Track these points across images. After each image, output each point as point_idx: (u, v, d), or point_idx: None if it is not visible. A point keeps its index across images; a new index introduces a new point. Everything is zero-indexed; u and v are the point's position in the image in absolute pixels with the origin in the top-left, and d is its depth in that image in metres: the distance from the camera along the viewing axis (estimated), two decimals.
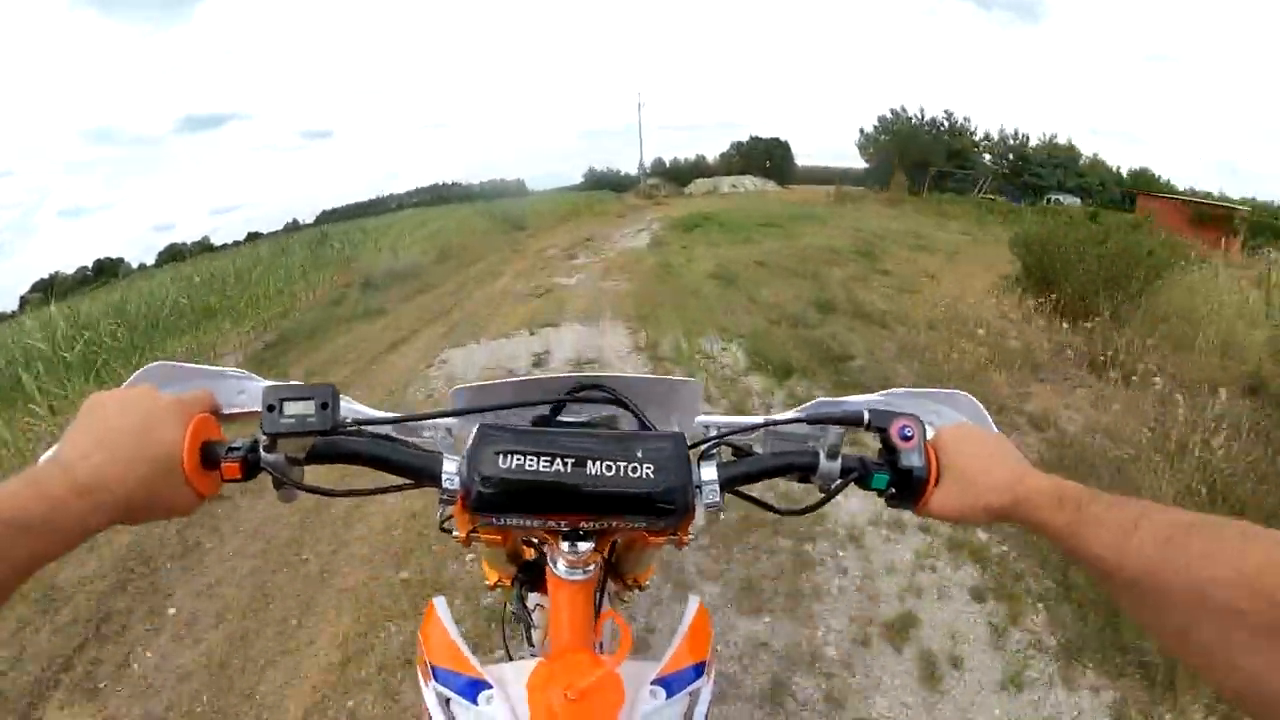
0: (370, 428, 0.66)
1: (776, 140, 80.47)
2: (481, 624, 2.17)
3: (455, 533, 0.66)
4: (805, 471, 0.66)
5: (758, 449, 0.75)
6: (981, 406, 0.74)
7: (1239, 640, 0.38)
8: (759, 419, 0.73)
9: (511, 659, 0.89)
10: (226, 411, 0.64)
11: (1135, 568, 0.45)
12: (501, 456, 0.56)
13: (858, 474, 0.65)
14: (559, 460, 0.57)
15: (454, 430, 0.71)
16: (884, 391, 0.76)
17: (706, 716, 0.61)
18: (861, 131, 36.22)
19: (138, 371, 0.68)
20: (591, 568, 0.67)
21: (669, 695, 0.59)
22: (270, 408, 0.55)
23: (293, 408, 0.56)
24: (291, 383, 0.60)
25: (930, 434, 0.66)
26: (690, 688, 0.60)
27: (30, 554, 0.42)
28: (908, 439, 0.63)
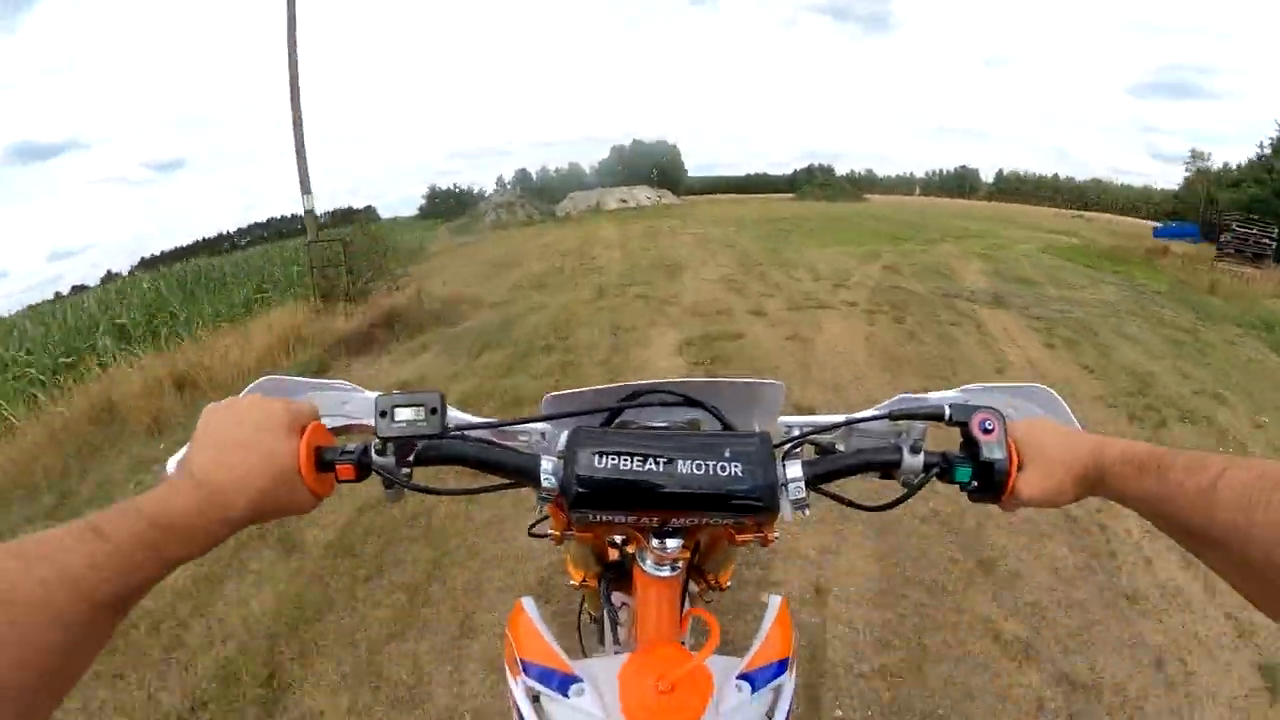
0: (472, 432, 0.68)
1: (664, 144, 70.23)
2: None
3: (549, 533, 0.77)
4: (888, 468, 0.65)
5: (840, 447, 0.75)
6: (1061, 400, 0.72)
7: None
8: (840, 417, 0.72)
9: (587, 657, 0.97)
10: (332, 425, 0.66)
11: (1217, 532, 0.43)
12: (597, 457, 0.58)
13: (940, 468, 0.64)
14: (651, 460, 0.58)
15: (547, 434, 0.72)
16: (962, 387, 0.74)
17: (789, 712, 0.60)
18: None
19: (251, 384, 0.68)
20: (679, 565, 0.68)
21: (754, 690, 0.59)
22: (383, 413, 0.59)
23: (403, 413, 0.59)
24: (401, 391, 0.62)
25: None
26: (774, 683, 0.60)
27: (176, 556, 0.46)
28: (988, 432, 0.62)
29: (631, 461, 0.58)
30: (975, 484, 0.63)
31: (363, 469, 0.59)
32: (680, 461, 0.58)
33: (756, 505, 0.59)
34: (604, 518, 0.60)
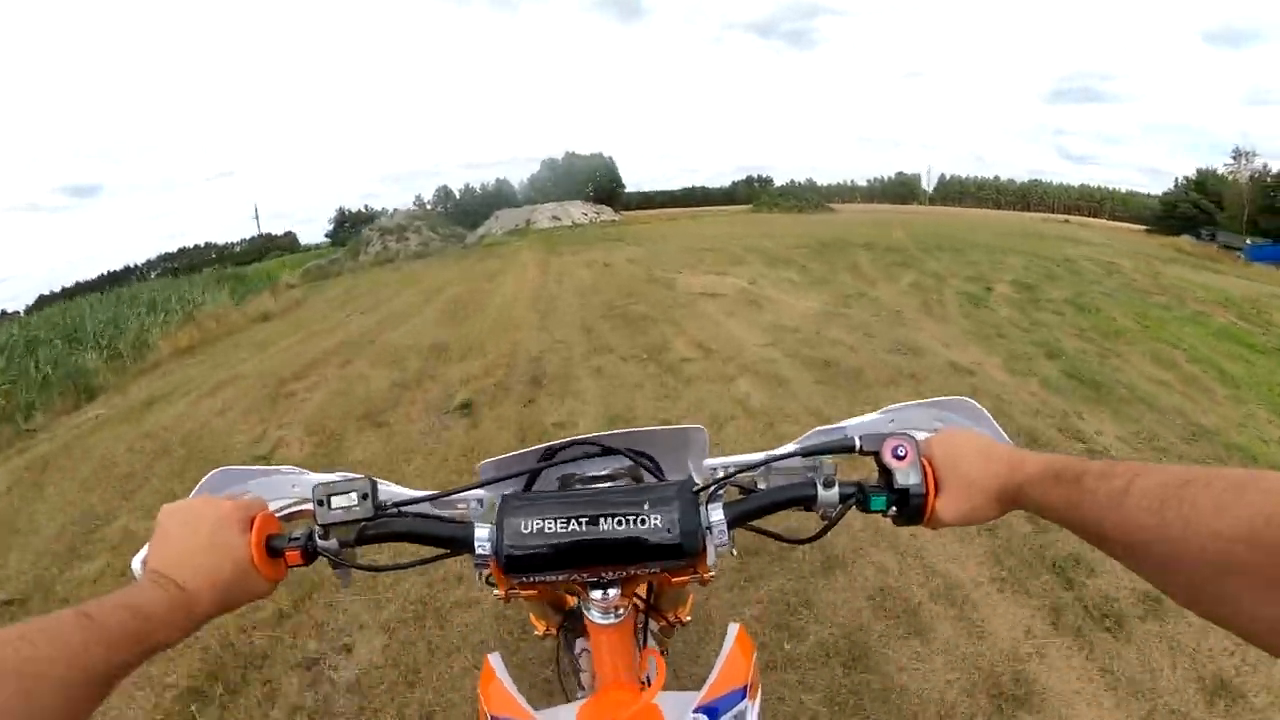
0: (409, 508, 0.68)
1: (599, 156, 63.82)
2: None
3: (496, 591, 0.70)
4: (805, 504, 0.66)
5: (762, 484, 0.74)
6: (985, 411, 0.72)
7: (1242, 593, 0.36)
8: (760, 456, 0.72)
9: (569, 699, 0.89)
10: (282, 513, 0.68)
11: (1130, 533, 0.43)
12: (524, 522, 0.61)
13: (856, 499, 0.64)
14: (574, 520, 0.60)
15: (484, 501, 0.73)
16: (885, 408, 0.73)
17: None
18: None
19: (202, 480, 0.71)
20: (623, 611, 0.69)
21: None
22: (320, 502, 0.62)
23: (338, 500, 0.62)
24: (335, 476, 0.65)
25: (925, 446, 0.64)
26: (734, 710, 0.61)
27: (156, 643, 0.50)
28: (900, 458, 0.62)
29: (556, 524, 0.60)
30: (894, 510, 0.63)
31: (309, 554, 0.62)
32: (603, 519, 0.60)
33: (678, 552, 0.60)
34: (538, 578, 0.63)
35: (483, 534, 0.62)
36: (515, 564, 0.60)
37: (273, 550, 0.60)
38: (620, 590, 0.65)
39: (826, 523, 0.66)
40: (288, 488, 0.71)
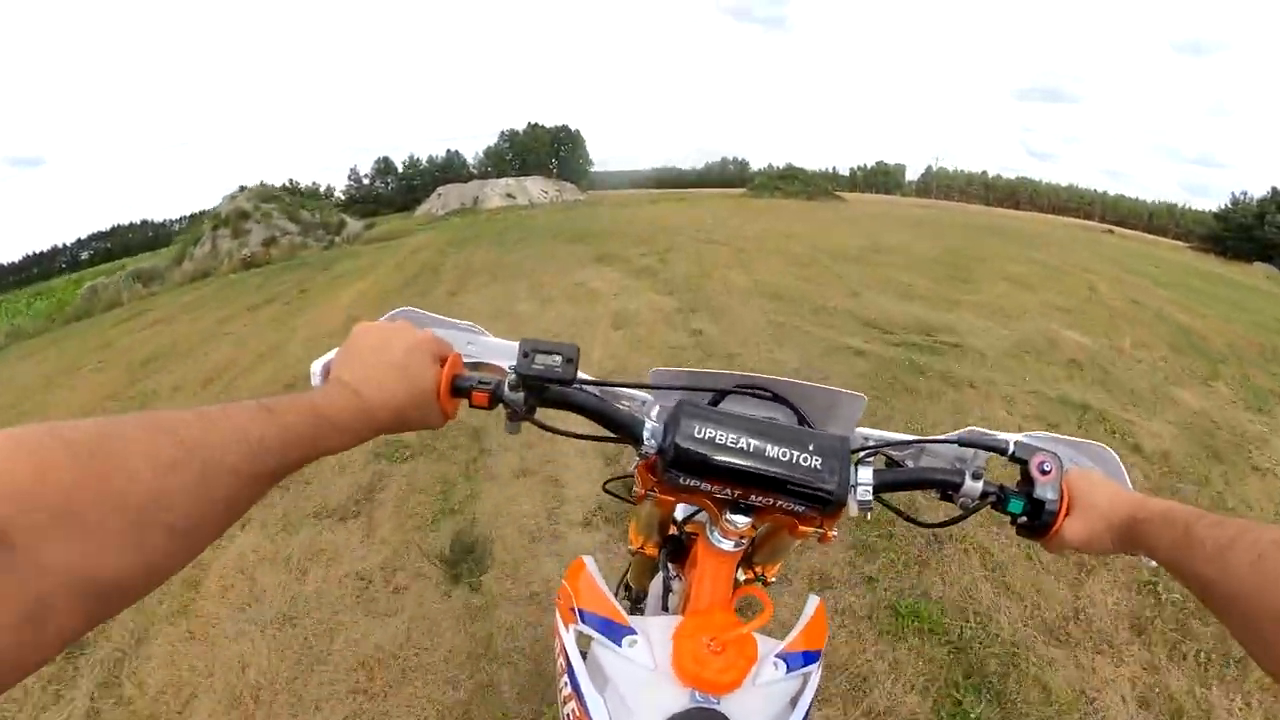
0: (593, 387, 0.71)
1: (565, 129, 56.33)
2: None
3: (635, 488, 0.74)
4: (949, 489, 0.68)
5: (909, 464, 0.78)
6: (1119, 460, 0.74)
7: None
8: (913, 436, 0.75)
9: None
10: (467, 360, 0.71)
11: (1231, 585, 0.43)
12: (698, 426, 0.63)
13: (996, 497, 0.66)
14: (745, 439, 0.62)
15: (647, 404, 0.77)
16: (1028, 434, 0.75)
17: (813, 701, 0.62)
18: None
19: (393, 310, 0.75)
20: (743, 541, 0.71)
21: (788, 670, 0.61)
22: (525, 354, 0.64)
23: (542, 358, 0.64)
24: (541, 339, 0.66)
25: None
26: (805, 669, 0.62)
27: (327, 446, 0.50)
28: (1045, 473, 0.64)
29: (728, 437, 0.62)
30: (1025, 519, 0.65)
31: (494, 399, 0.65)
32: (770, 446, 0.62)
33: (829, 498, 0.62)
34: (692, 483, 0.64)
35: (651, 428, 0.66)
36: (678, 463, 0.62)
37: (457, 389, 0.63)
38: (752, 520, 0.67)
39: (962, 512, 0.68)
40: (463, 344, 0.74)
